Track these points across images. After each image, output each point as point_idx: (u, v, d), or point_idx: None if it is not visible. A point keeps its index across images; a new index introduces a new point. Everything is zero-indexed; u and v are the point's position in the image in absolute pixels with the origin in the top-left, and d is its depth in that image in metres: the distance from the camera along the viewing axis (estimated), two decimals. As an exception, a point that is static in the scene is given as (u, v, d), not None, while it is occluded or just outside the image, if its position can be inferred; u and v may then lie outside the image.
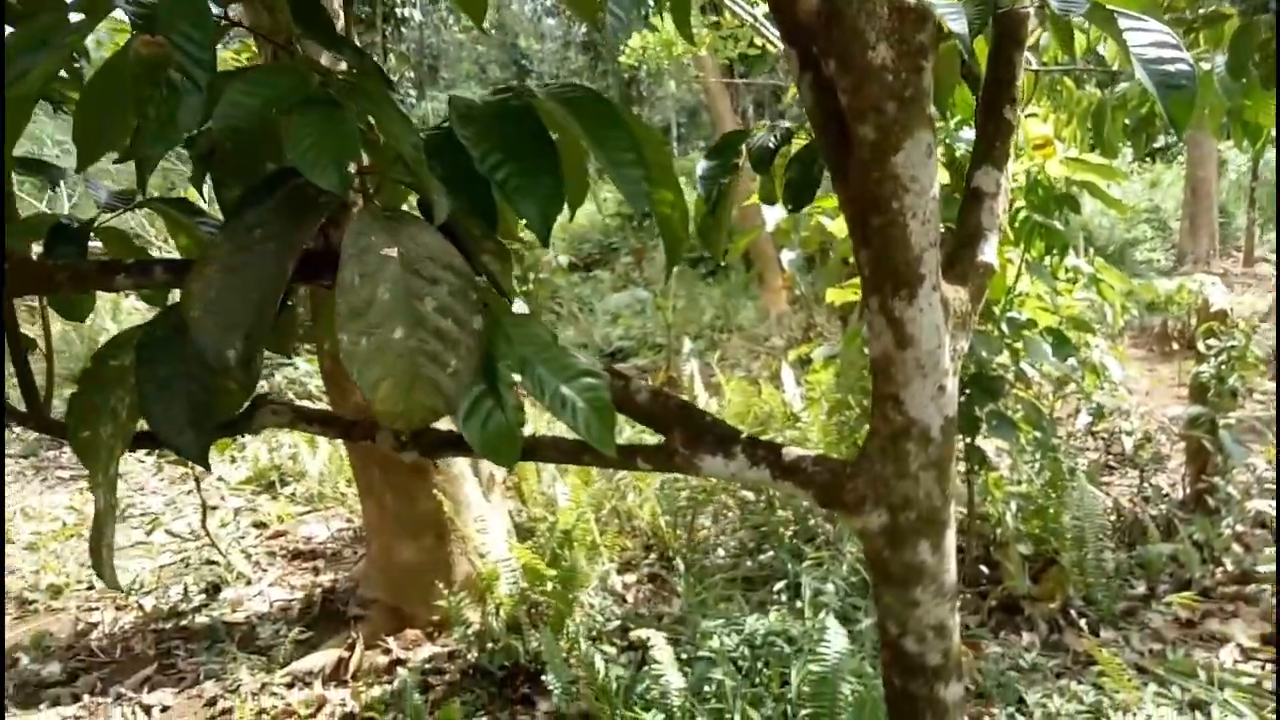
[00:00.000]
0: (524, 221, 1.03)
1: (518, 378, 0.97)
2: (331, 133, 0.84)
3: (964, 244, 1.36)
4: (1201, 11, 3.36)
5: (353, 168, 0.99)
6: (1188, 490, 4.17)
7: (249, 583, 4.28)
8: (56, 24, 0.89)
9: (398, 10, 14.91)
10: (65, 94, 1.66)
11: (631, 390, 1.27)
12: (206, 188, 1.15)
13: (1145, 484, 4.27)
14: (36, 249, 1.37)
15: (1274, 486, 4.18)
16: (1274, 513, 3.94)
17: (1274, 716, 2.62)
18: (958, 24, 1.16)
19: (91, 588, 4.34)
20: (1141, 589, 3.58)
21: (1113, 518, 3.94)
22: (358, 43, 1.46)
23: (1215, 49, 3.22)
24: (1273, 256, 13.05)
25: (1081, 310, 4.22)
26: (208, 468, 1.03)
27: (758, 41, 5.56)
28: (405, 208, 1.21)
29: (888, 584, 1.32)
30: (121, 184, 1.53)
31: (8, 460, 6.53)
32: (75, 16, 0.92)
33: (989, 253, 1.35)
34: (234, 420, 1.21)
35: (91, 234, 1.37)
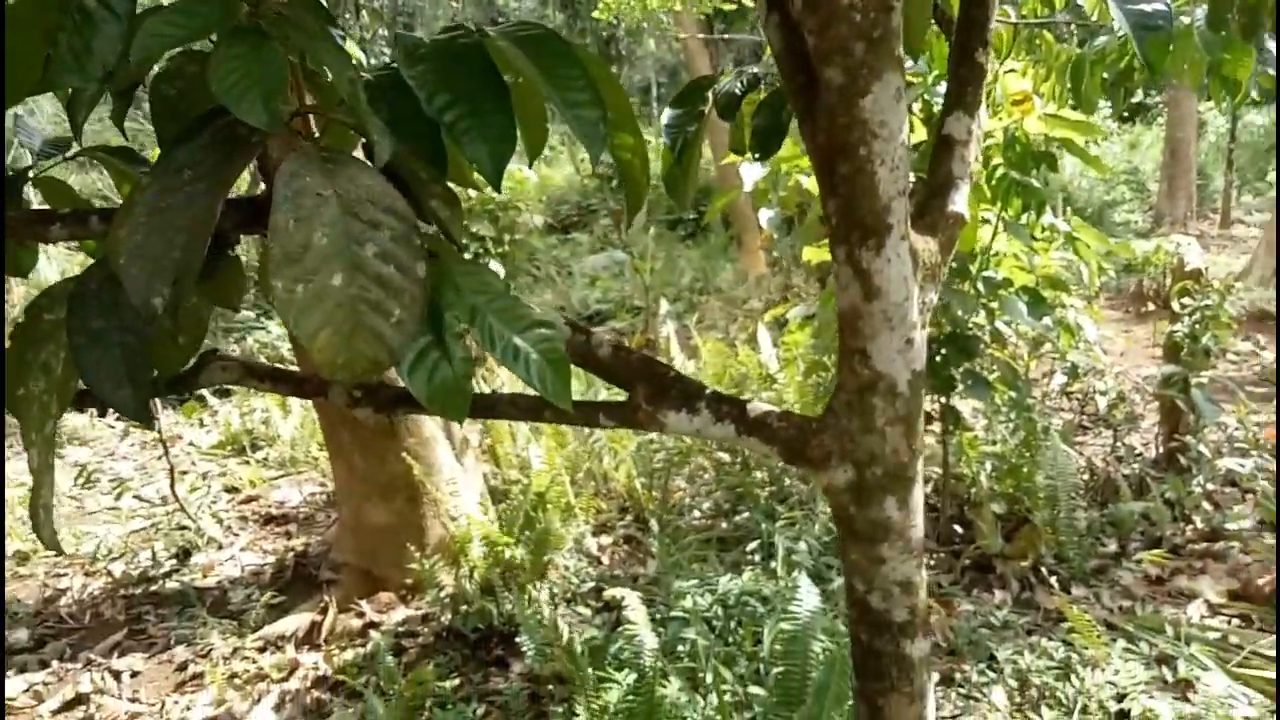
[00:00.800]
0: (474, 165, 0.98)
1: (467, 328, 0.93)
2: (259, 65, 0.79)
3: (934, 193, 1.32)
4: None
5: (291, 107, 0.94)
6: (1160, 449, 4.20)
7: (220, 547, 4.24)
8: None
9: (371, -34, 14.56)
10: None
11: (593, 345, 1.24)
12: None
13: (1118, 443, 4.30)
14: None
15: (1244, 445, 4.22)
16: (1244, 471, 3.97)
17: (1239, 670, 2.66)
18: (929, -39, 1.12)
19: (60, 554, 4.29)
20: (1113, 547, 3.61)
21: (1086, 477, 3.96)
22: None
23: (1195, 3, 3.18)
24: (1249, 218, 13.12)
25: (1058, 270, 4.21)
26: (149, 425, 0.99)
27: (734, -4, 5.46)
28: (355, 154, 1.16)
29: (854, 540, 1.30)
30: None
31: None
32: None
33: (960, 202, 1.31)
34: (180, 376, 1.17)
35: (30, 184, 1.31)
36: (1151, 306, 8.11)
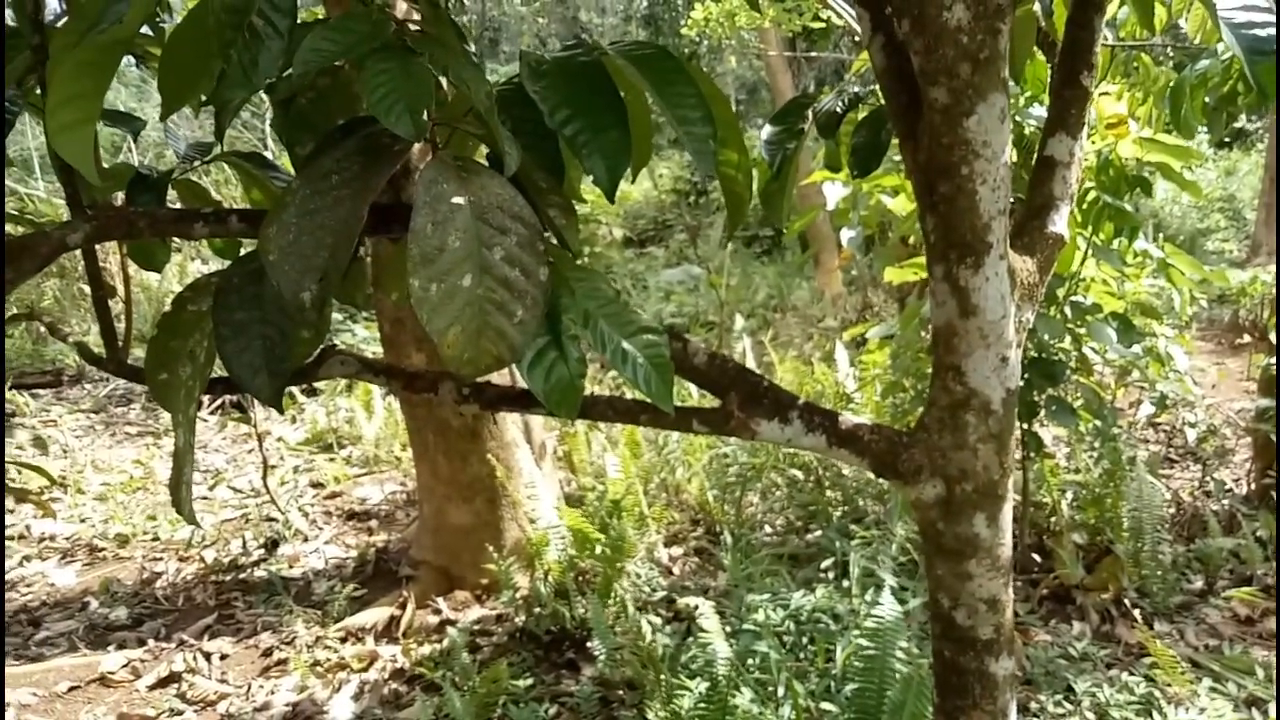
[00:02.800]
0: (590, 178, 1.03)
1: (581, 332, 0.98)
2: (407, 80, 0.85)
3: (1034, 214, 1.33)
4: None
5: (426, 117, 1.01)
6: (1252, 485, 4.06)
7: (306, 540, 4.39)
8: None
9: (460, -17, 14.96)
10: (147, 50, 1.71)
11: (689, 351, 1.28)
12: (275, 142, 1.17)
13: (1208, 478, 4.16)
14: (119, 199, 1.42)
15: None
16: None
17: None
18: (1037, -14, 1.14)
19: (156, 539, 4.50)
20: (1199, 584, 3.50)
21: (1172, 510, 3.85)
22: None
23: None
24: (1354, 250, 12.54)
25: (1149, 297, 4.11)
26: (281, 410, 1.06)
27: (823, 15, 5.48)
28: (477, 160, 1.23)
29: (941, 556, 1.31)
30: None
31: (79, 414, 6.77)
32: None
33: (1060, 223, 1.32)
34: (303, 368, 1.25)
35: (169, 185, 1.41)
36: (1247, 339, 7.81)
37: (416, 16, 1.10)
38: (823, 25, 5.71)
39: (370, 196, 0.88)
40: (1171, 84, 3.38)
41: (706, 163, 1.05)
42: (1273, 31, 1.14)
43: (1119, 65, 3.61)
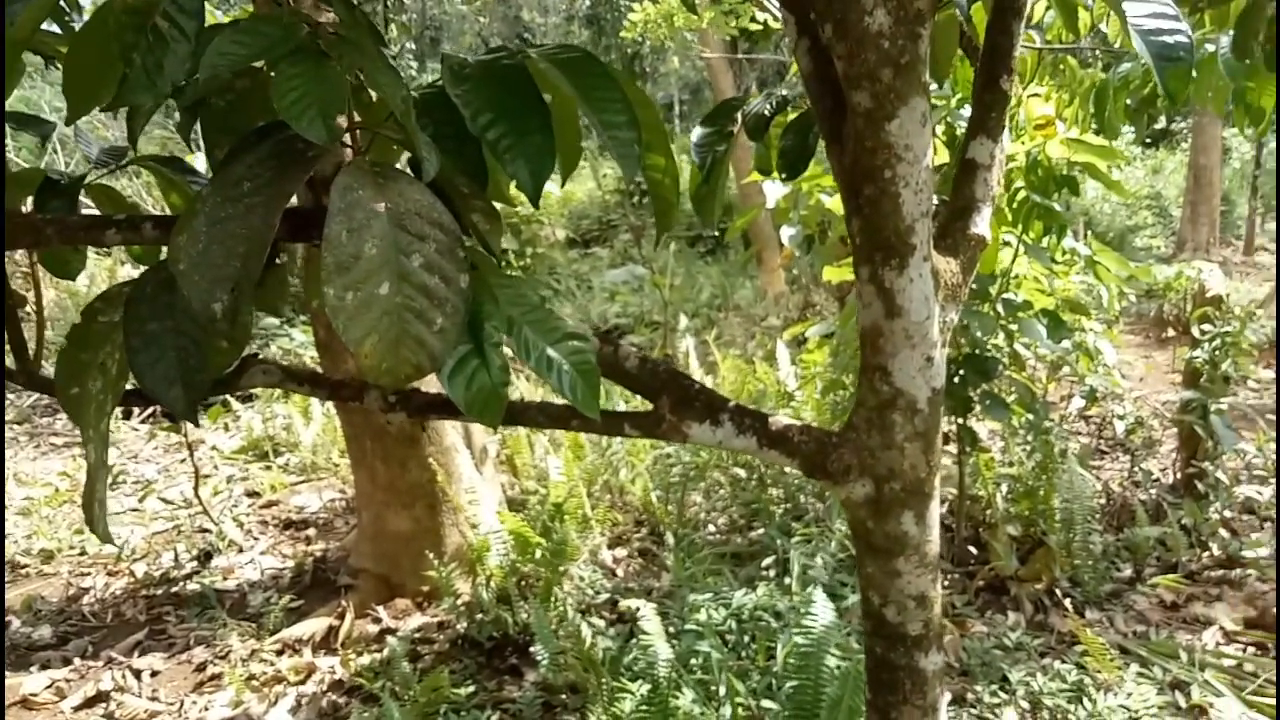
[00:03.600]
0: (514, 182, 1.02)
1: (504, 338, 0.97)
2: (319, 84, 0.83)
3: (957, 215, 1.35)
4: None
5: (343, 122, 0.99)
6: (1178, 475, 4.19)
7: (240, 551, 4.29)
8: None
9: (399, -20, 14.77)
10: (58, 50, 1.65)
11: (620, 356, 1.27)
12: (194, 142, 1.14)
13: (1136, 468, 4.29)
14: (28, 206, 1.36)
15: (1263, 473, 4.21)
16: (1262, 499, 3.96)
17: (1253, 697, 2.65)
18: (955, -8, 1.16)
19: (84, 553, 4.36)
20: (1128, 571, 3.60)
21: (1102, 501, 3.96)
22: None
23: (1221, 29, 3.20)
24: (1273, 246, 13.05)
25: (1078, 294, 4.22)
26: (196, 423, 1.03)
27: (760, 17, 5.53)
28: (398, 166, 1.21)
29: (871, 554, 1.32)
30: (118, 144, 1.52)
31: None
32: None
33: (982, 225, 1.34)
34: (223, 378, 1.21)
35: (82, 191, 1.36)
36: (1172, 332, 8.08)
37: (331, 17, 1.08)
38: (760, 28, 5.77)
39: (283, 204, 0.86)
40: (1095, 86, 3.48)
41: (631, 167, 1.05)
42: (1180, 38, 1.18)
43: (1046, 67, 3.70)
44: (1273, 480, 4.09)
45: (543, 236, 12.14)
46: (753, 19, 5.78)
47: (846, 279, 3.99)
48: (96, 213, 1.38)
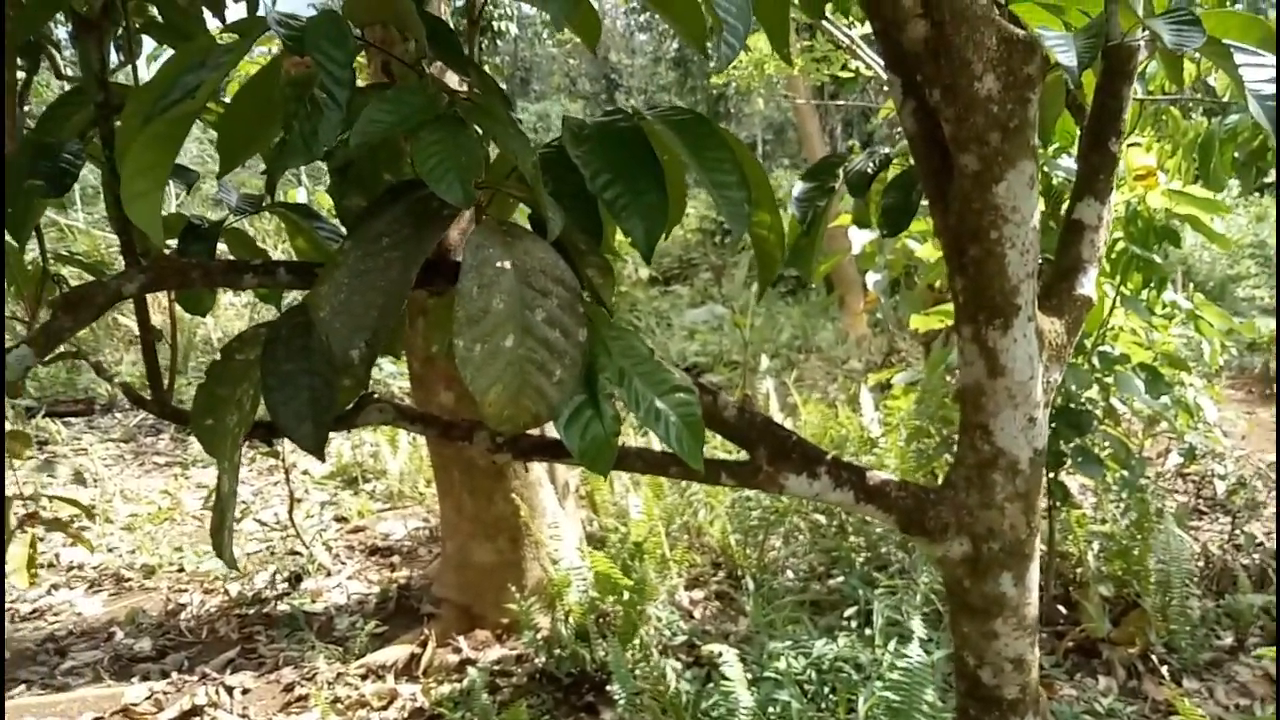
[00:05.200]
0: (630, 239, 1.07)
1: (615, 390, 1.01)
2: (457, 150, 0.89)
3: (1062, 276, 1.35)
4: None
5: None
6: (1284, 540, 4.00)
7: (329, 574, 4.42)
8: (210, 45, 0.96)
9: (494, 24, 15.28)
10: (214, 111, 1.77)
11: (719, 405, 1.30)
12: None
13: (1237, 531, 4.11)
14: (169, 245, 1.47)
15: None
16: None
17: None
18: (1067, 57, 1.17)
19: (182, 570, 4.54)
20: (1229, 640, 3.44)
21: (1201, 563, 3.80)
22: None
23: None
24: (1387, 300, 12.38)
25: (1178, 347, 4.08)
26: (323, 459, 1.09)
27: (851, 65, 5.55)
28: (515, 218, 1.27)
29: (967, 614, 1.31)
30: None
31: (110, 443, 6.87)
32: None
33: (1088, 285, 1.34)
34: (343, 415, 1.28)
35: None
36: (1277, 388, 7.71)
37: (460, 82, 1.14)
38: (851, 75, 5.79)
39: (420, 260, 0.92)
40: (1200, 137, 3.40)
41: (740, 226, 1.09)
42: (1299, 104, 1.16)
43: (1148, 118, 3.63)
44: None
45: (625, 274, 12.28)
46: (844, 66, 5.81)
47: (933, 327, 3.95)
48: (232, 257, 1.48)
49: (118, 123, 1.43)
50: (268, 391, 1.09)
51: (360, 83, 0.99)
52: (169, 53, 1.61)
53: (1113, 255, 3.43)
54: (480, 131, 0.94)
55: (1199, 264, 12.95)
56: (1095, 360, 3.47)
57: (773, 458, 1.28)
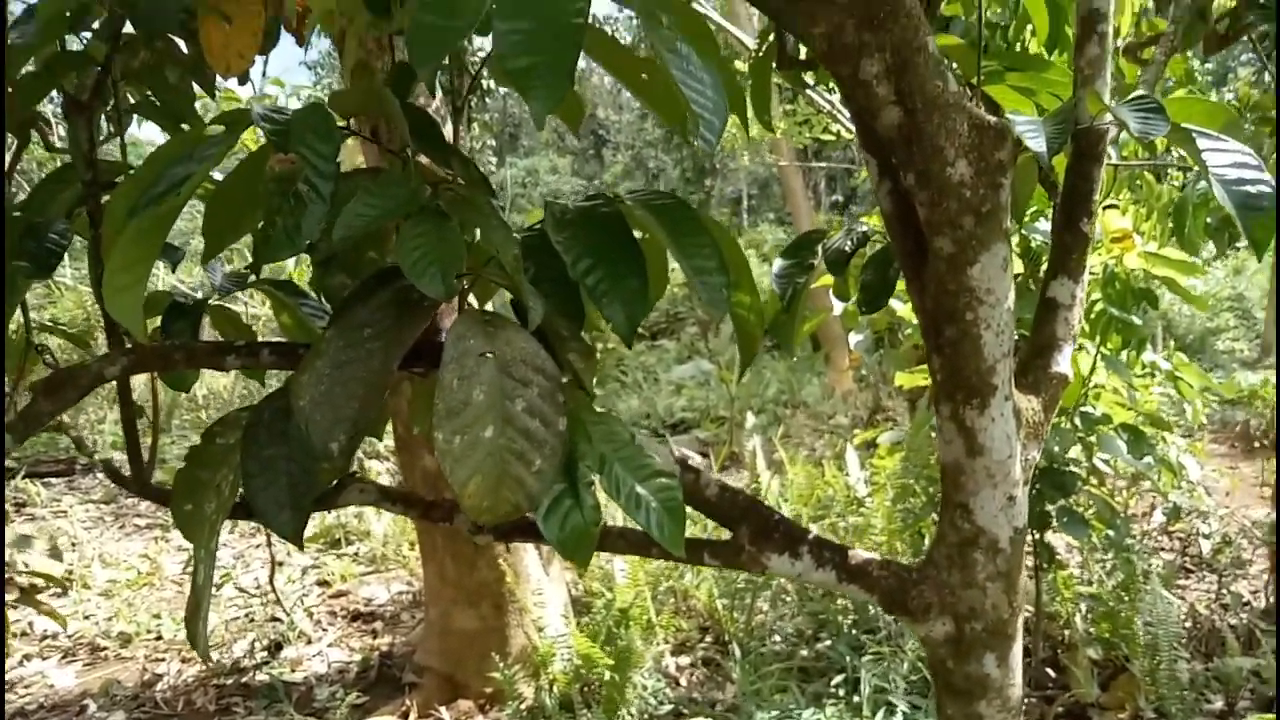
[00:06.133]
0: (609, 325, 1.08)
1: (596, 477, 1.01)
2: (440, 243, 0.90)
3: (1038, 353, 1.37)
4: (1285, 112, 3.34)
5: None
6: (1271, 599, 3.99)
7: (309, 642, 4.34)
8: (199, 137, 0.98)
9: (482, 81, 15.53)
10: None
11: (701, 484, 1.30)
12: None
13: (1224, 590, 4.10)
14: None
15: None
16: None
17: None
18: (1036, 143, 1.20)
19: (160, 638, 4.45)
20: (1219, 704, 3.41)
21: (1189, 624, 3.78)
22: (454, 126, 1.55)
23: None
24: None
25: (1159, 405, 4.12)
26: (301, 547, 1.08)
27: (833, 128, 5.67)
28: (496, 301, 1.28)
29: (951, 695, 1.30)
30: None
31: (90, 505, 6.77)
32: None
33: (1063, 363, 1.36)
34: (323, 495, 1.27)
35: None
36: (1260, 444, 7.77)
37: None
38: (833, 137, 5.90)
39: (401, 351, 0.92)
40: (1174, 202, 3.48)
41: (720, 311, 1.10)
42: (1263, 188, 1.19)
43: (1124, 181, 3.70)
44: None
45: (610, 330, 12.31)
46: (825, 129, 5.93)
47: (918, 385, 3.97)
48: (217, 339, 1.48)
49: (105, 198, 1.45)
50: (247, 477, 1.09)
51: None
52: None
53: (1092, 316, 3.48)
54: (463, 225, 0.95)
55: (1179, 318, 13.11)
56: (1078, 420, 3.49)
57: (755, 537, 1.27)
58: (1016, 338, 1.32)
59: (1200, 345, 12.49)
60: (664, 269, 1.36)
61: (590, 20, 0.94)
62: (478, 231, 1.22)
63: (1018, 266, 3.40)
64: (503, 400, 0.91)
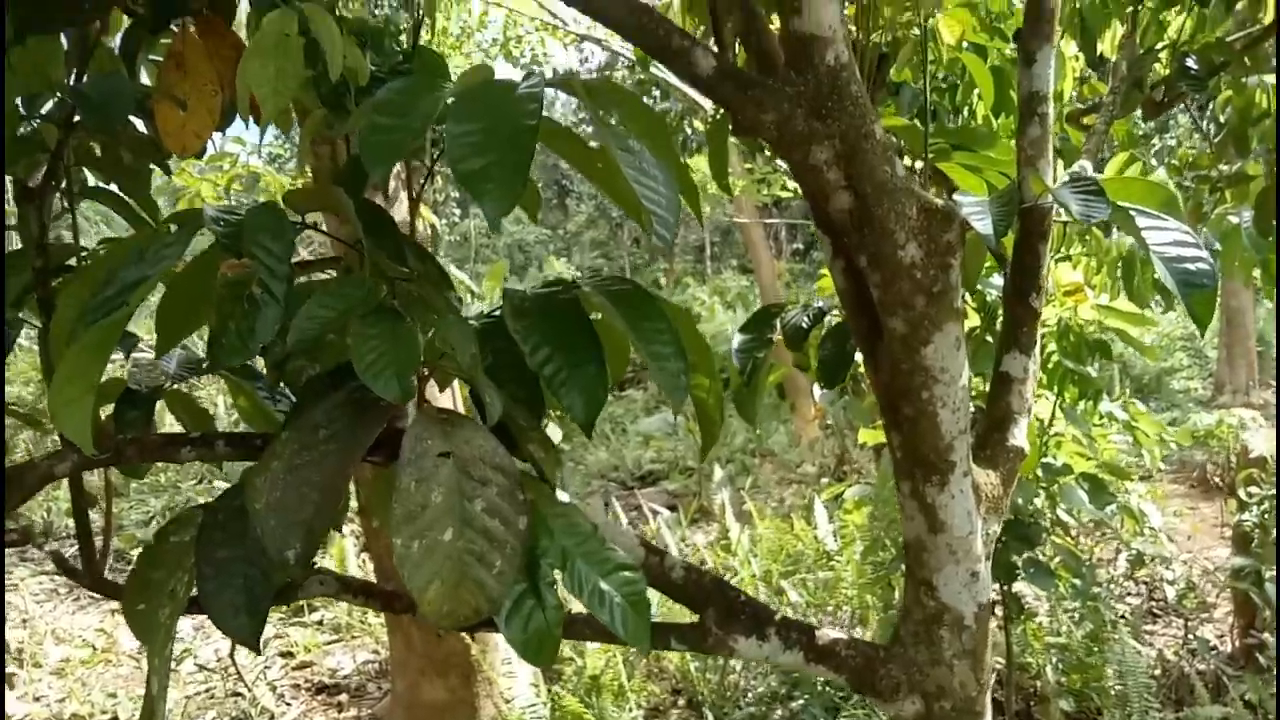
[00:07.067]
0: (569, 413, 1.08)
1: (558, 573, 1.00)
2: (395, 345, 0.90)
3: (994, 427, 1.39)
4: (1224, 168, 3.46)
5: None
6: (1236, 644, 4.03)
7: (273, 718, 4.21)
8: (150, 239, 0.97)
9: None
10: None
11: (666, 567, 1.29)
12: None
13: (1190, 635, 4.13)
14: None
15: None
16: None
17: None
18: (983, 225, 1.23)
19: (115, 718, 4.30)
20: (1192, 753, 3.42)
21: (1157, 672, 3.80)
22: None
23: (1240, 204, 3.29)
24: (1314, 390, 12.84)
25: (1118, 453, 4.17)
26: (258, 651, 1.06)
27: (790, 185, 5.76)
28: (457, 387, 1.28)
29: (924, 772, 1.29)
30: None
31: (43, 576, 6.56)
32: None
33: (1019, 436, 1.38)
34: (281, 590, 1.25)
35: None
36: (1218, 482, 7.90)
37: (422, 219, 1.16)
38: (792, 195, 6.00)
39: (358, 455, 0.91)
40: (1123, 256, 3.56)
41: (678, 399, 1.10)
42: (1202, 265, 1.23)
43: (1074, 235, 3.79)
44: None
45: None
46: (784, 186, 6.03)
47: (882, 440, 4.00)
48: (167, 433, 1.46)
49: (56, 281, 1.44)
50: (201, 580, 1.06)
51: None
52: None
53: (1049, 367, 3.53)
54: (420, 323, 0.95)
55: (1134, 359, 13.35)
56: (1039, 471, 3.53)
57: (722, 620, 1.27)
58: (973, 410, 1.34)
59: (1156, 386, 12.73)
60: (625, 349, 1.36)
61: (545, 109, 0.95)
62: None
63: (973, 319, 3.46)
64: (461, 501, 0.90)
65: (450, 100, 0.95)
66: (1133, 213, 1.24)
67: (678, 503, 8.09)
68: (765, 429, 10.99)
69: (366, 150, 0.89)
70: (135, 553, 7.15)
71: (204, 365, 1.46)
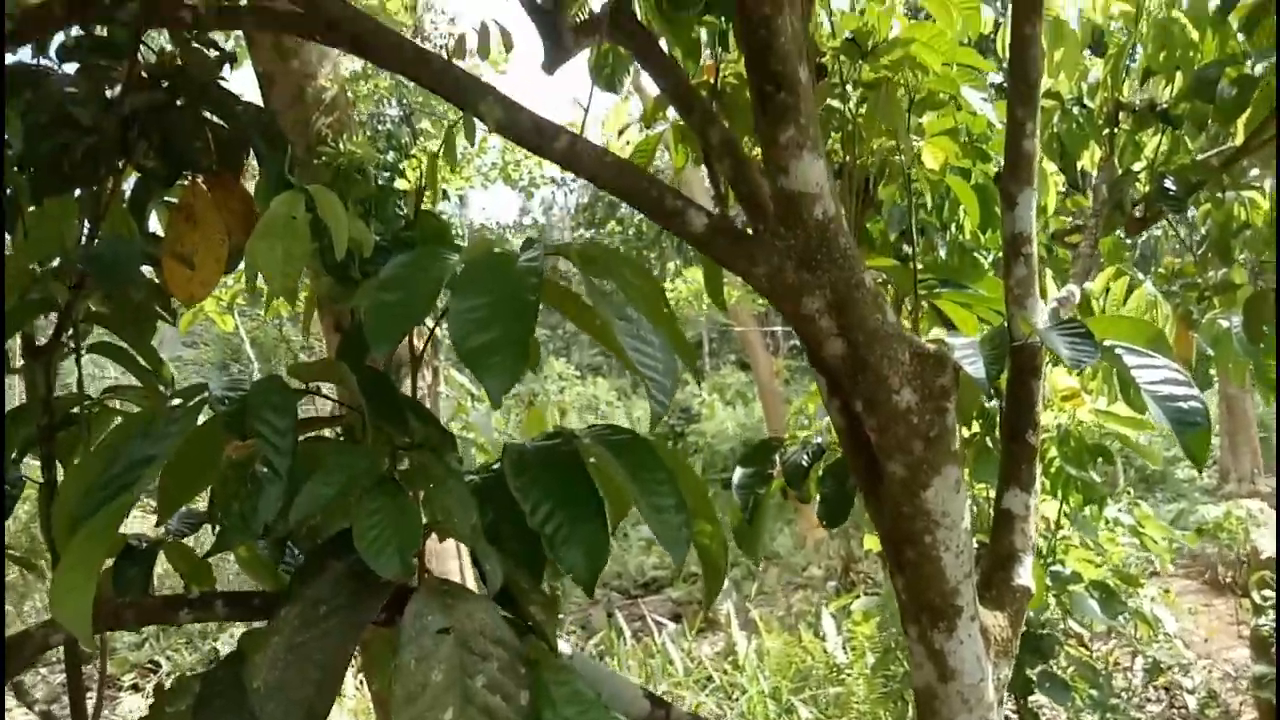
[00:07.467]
0: (569, 571, 1.07)
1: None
2: (396, 521, 0.91)
3: (999, 566, 1.38)
4: (1211, 274, 3.52)
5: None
6: (1265, 755, 3.90)
7: None
8: (154, 414, 0.99)
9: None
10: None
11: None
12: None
13: (1217, 747, 4.01)
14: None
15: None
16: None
17: None
18: (975, 369, 1.25)
19: None
20: None
21: (1187, 789, 3.67)
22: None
23: (1230, 309, 3.34)
24: (1320, 477, 12.76)
25: (1127, 555, 4.12)
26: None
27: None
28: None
29: None
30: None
31: (25, 711, 6.38)
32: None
33: (1024, 575, 1.37)
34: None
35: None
36: (1231, 577, 7.77)
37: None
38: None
39: (359, 632, 0.91)
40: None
41: (679, 553, 1.10)
42: (1194, 404, 1.24)
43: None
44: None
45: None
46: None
47: (888, 549, 3.96)
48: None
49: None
50: (197, 756, 1.04)
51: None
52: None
53: (1051, 471, 3.52)
54: (420, 499, 0.96)
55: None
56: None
57: (730, 774, 1.23)
58: (976, 545, 1.34)
59: (1160, 477, 12.64)
60: (625, 492, 1.36)
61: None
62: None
63: (974, 426, 3.46)
64: (462, 678, 0.89)
65: (456, 271, 0.98)
66: (1121, 351, 1.27)
67: (682, 611, 7.94)
68: (770, 530, 10.86)
69: (372, 328, 0.92)
70: (126, 678, 6.99)
71: (203, 523, 1.46)
